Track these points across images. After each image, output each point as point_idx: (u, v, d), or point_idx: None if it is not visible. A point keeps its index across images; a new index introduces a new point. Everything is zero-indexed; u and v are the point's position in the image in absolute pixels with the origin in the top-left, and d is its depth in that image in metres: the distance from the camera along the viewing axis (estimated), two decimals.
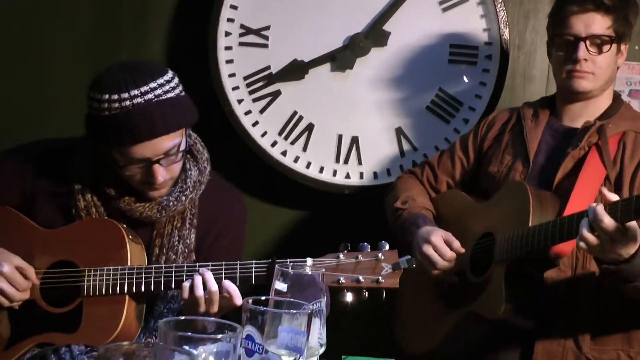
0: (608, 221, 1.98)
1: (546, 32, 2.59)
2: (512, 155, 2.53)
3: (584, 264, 2.32)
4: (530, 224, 2.24)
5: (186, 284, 2.08)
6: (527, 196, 2.29)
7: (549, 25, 2.56)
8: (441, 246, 2.38)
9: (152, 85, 2.09)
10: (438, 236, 2.40)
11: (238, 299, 2.06)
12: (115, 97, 2.06)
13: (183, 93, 2.17)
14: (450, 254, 2.39)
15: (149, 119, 2.07)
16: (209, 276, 2.07)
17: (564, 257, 2.29)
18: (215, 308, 2.08)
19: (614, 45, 2.42)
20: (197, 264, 2.16)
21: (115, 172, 2.20)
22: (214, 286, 2.06)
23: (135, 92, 2.07)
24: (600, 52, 2.41)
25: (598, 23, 2.40)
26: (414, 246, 2.44)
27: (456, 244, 2.40)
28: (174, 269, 2.14)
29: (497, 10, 3.00)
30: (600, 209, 2.00)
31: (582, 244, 2.05)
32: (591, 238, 2.02)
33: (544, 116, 2.55)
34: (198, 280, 2.07)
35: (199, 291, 2.06)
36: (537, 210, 2.27)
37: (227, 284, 2.07)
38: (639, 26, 3.07)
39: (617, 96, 2.55)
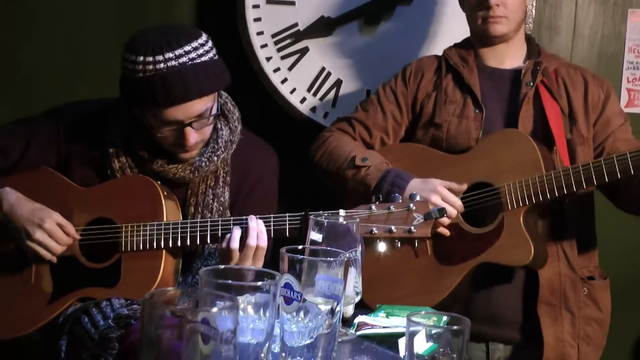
0: None
1: None
2: (456, 103, 2.53)
3: None
4: (544, 171, 2.31)
5: (236, 233, 2.13)
6: (530, 143, 2.35)
7: None
8: (449, 195, 2.35)
9: (187, 48, 2.12)
10: (440, 184, 2.36)
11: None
12: (150, 59, 2.09)
13: (216, 57, 2.20)
14: (459, 202, 2.37)
15: (183, 82, 2.10)
16: (256, 227, 2.12)
17: None
18: (248, 262, 2.12)
19: None
20: (232, 217, 2.19)
21: (147, 134, 2.23)
22: (252, 240, 2.11)
23: (170, 54, 2.09)
24: None
25: None
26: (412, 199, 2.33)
27: (455, 185, 2.38)
28: (209, 224, 2.19)
29: None
30: None
31: None
32: None
33: (472, 60, 2.58)
34: (237, 233, 2.12)
35: (234, 244, 2.11)
36: (543, 157, 2.33)
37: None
38: None
39: (529, 36, 2.64)
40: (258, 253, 2.12)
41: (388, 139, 2.63)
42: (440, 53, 2.70)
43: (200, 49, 2.15)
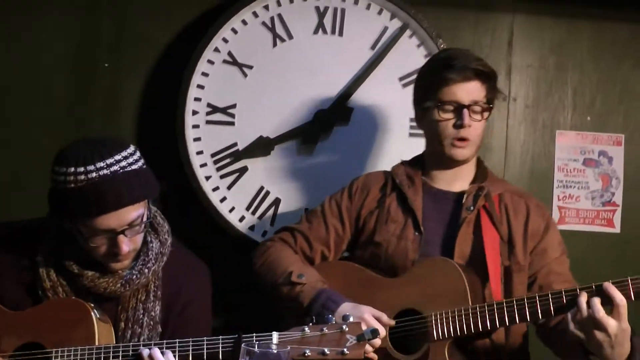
0: (620, 297, 2.06)
1: (417, 98, 2.62)
2: (397, 223, 2.51)
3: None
4: (470, 304, 2.28)
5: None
6: (459, 274, 2.32)
7: (422, 91, 2.57)
8: (375, 323, 2.28)
9: (117, 157, 2.15)
10: (368, 312, 2.30)
11: None
12: (81, 169, 2.11)
13: (145, 166, 2.23)
14: (384, 330, 2.30)
15: (116, 190, 2.12)
16: (155, 354, 2.09)
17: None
18: None
19: (488, 113, 2.53)
20: (165, 341, 2.17)
21: (77, 248, 2.23)
22: None
23: (101, 164, 2.12)
24: (481, 118, 2.50)
25: (478, 91, 2.49)
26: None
27: (385, 317, 2.32)
28: (141, 347, 2.15)
29: None
30: (611, 286, 2.08)
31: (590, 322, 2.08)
32: (611, 322, 2.07)
33: (418, 180, 2.57)
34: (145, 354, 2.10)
35: None
36: (471, 288, 2.31)
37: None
38: (588, 98, 3.21)
39: (479, 160, 2.64)
40: None
41: (329, 252, 2.63)
42: (374, 170, 2.75)
43: (130, 157, 2.18)
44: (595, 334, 2.09)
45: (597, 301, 2.09)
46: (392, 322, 2.34)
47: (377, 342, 2.24)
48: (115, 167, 2.14)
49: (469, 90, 2.48)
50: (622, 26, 3.25)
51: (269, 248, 2.63)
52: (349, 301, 2.37)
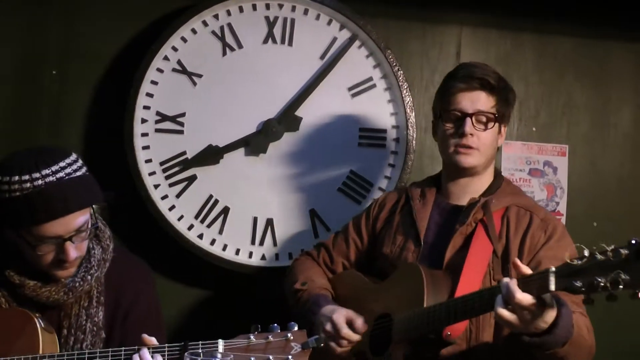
0: (520, 296, 2.00)
1: (433, 112, 2.67)
2: (403, 236, 2.58)
3: (477, 336, 2.36)
4: (425, 305, 2.29)
5: None
6: (420, 277, 2.34)
7: (435, 104, 2.65)
8: (344, 325, 2.38)
9: (61, 164, 2.16)
10: (341, 315, 2.41)
11: None
12: (26, 177, 2.11)
13: (88, 172, 2.24)
14: (353, 333, 2.39)
15: (63, 196, 2.12)
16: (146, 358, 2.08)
17: (459, 334, 2.33)
18: None
19: (497, 125, 2.54)
20: (110, 349, 2.15)
21: (17, 258, 2.21)
22: None
23: (46, 171, 2.12)
24: (485, 128, 2.52)
25: (483, 101, 2.52)
26: (317, 326, 2.45)
27: (359, 321, 2.40)
28: (86, 356, 2.14)
29: (403, 95, 3.15)
30: (512, 284, 2.02)
31: (500, 320, 2.06)
32: (506, 314, 2.04)
33: (430, 195, 2.62)
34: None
35: None
36: (430, 291, 2.32)
37: None
38: (533, 109, 3.28)
39: (498, 173, 2.66)
40: None
41: (350, 265, 2.75)
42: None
43: (74, 164, 2.19)
44: (510, 326, 2.08)
45: (499, 299, 2.06)
46: (364, 327, 2.40)
47: (337, 349, 2.36)
48: (60, 174, 2.14)
49: (473, 100, 2.51)
50: (565, 40, 3.33)
51: (295, 261, 2.85)
52: (332, 305, 2.48)
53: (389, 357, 2.37)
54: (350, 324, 2.40)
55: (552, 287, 1.96)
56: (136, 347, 2.11)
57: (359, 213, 2.82)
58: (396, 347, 2.35)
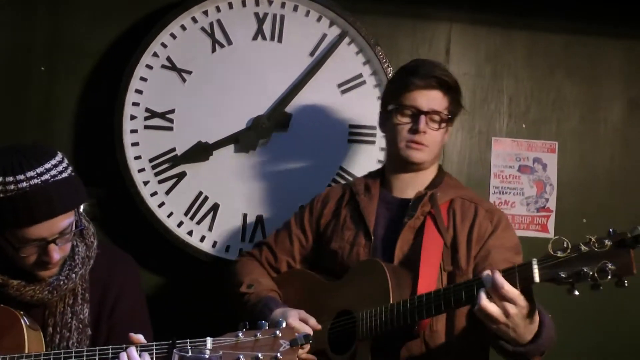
0: (508, 287, 2.00)
1: (383, 101, 2.67)
2: (352, 231, 2.58)
3: (432, 326, 2.37)
4: (391, 301, 2.29)
5: None
6: (383, 273, 2.34)
7: (387, 95, 2.65)
8: (300, 326, 2.34)
9: (47, 166, 2.12)
10: (295, 316, 2.37)
11: None
12: (10, 179, 2.07)
13: (74, 173, 2.20)
14: (310, 332, 2.32)
15: (47, 199, 2.09)
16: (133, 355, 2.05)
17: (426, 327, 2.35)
18: None
19: (447, 125, 2.58)
20: (97, 348, 2.13)
21: (2, 257, 2.19)
22: None
23: (31, 173, 2.08)
24: (438, 127, 2.54)
25: (439, 101, 2.54)
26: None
27: (312, 321, 2.37)
28: (73, 355, 2.12)
29: None
30: (498, 275, 2.01)
31: (482, 314, 2.05)
32: (492, 307, 2.02)
33: (375, 189, 2.63)
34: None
35: None
36: (395, 287, 2.33)
37: None
38: (523, 106, 3.28)
39: (440, 168, 2.69)
40: None
41: (294, 262, 2.71)
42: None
43: (59, 165, 2.15)
44: (492, 324, 2.06)
45: (482, 293, 2.04)
46: (319, 326, 2.38)
47: (306, 346, 2.27)
48: (45, 176, 2.10)
49: (430, 98, 2.53)
50: (555, 37, 3.33)
51: (236, 263, 2.76)
52: (283, 307, 2.44)
53: (353, 354, 2.36)
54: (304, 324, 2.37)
55: (537, 278, 1.98)
56: (124, 346, 2.09)
57: (299, 210, 2.80)
58: (362, 344, 2.34)
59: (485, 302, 2.03)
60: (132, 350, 2.06)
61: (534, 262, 1.99)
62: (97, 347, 2.13)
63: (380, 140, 3.16)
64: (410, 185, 2.60)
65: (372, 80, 3.18)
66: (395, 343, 2.37)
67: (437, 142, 2.56)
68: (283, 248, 2.72)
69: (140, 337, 2.10)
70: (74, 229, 2.20)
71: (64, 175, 2.15)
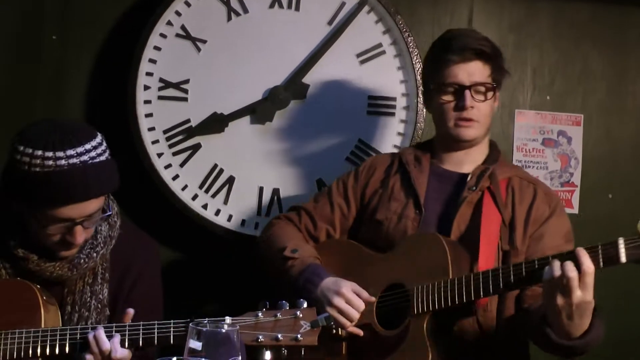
0: (590, 263, 2.02)
1: (423, 81, 2.64)
2: (399, 202, 2.51)
3: (487, 305, 2.35)
4: (450, 277, 2.25)
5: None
6: (443, 248, 2.30)
7: (426, 75, 2.60)
8: (353, 298, 2.29)
9: (87, 146, 2.09)
10: (347, 287, 2.32)
11: None
12: (50, 154, 2.04)
13: (111, 157, 2.18)
14: (363, 305, 2.31)
15: (84, 182, 2.06)
16: (100, 335, 2.04)
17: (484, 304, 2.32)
18: None
19: (493, 93, 2.51)
20: (114, 324, 2.12)
21: (22, 230, 2.17)
22: (104, 345, 2.03)
23: (71, 151, 2.06)
24: (485, 99, 2.47)
25: (480, 72, 2.47)
26: (320, 297, 2.34)
27: (365, 294, 2.32)
28: (89, 330, 2.09)
29: (414, 62, 3.06)
30: (583, 252, 2.04)
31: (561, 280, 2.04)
32: (577, 290, 2.02)
33: (426, 161, 2.56)
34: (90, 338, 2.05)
35: (94, 349, 2.03)
36: (454, 262, 2.28)
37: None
38: (547, 77, 3.19)
39: (493, 143, 2.63)
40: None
41: (334, 231, 2.63)
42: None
43: (99, 148, 2.13)
44: (557, 299, 2.05)
45: (570, 263, 2.05)
46: (373, 299, 2.34)
47: (346, 323, 2.28)
48: (85, 157, 2.07)
49: (470, 71, 2.46)
50: (581, 6, 3.23)
51: (273, 225, 2.66)
52: (333, 276, 2.37)
53: (406, 329, 2.30)
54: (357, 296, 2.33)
55: (623, 258, 2.01)
56: (89, 326, 2.11)
57: (342, 175, 2.70)
58: (416, 318, 2.29)
59: (572, 267, 2.02)
60: (100, 331, 2.05)
61: (621, 241, 1.97)
62: (68, 327, 2.13)
63: (400, 111, 3.09)
64: (464, 161, 2.54)
65: (392, 50, 3.10)
66: (449, 320, 2.31)
67: (486, 114, 2.50)
68: (323, 216, 2.62)
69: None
70: (103, 213, 2.17)
71: (102, 158, 2.12)
